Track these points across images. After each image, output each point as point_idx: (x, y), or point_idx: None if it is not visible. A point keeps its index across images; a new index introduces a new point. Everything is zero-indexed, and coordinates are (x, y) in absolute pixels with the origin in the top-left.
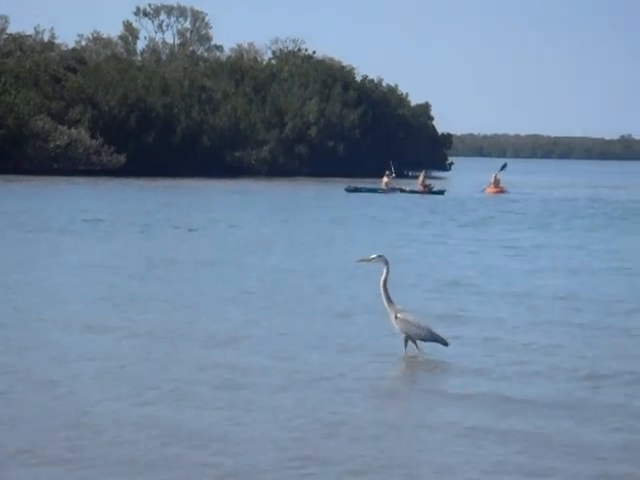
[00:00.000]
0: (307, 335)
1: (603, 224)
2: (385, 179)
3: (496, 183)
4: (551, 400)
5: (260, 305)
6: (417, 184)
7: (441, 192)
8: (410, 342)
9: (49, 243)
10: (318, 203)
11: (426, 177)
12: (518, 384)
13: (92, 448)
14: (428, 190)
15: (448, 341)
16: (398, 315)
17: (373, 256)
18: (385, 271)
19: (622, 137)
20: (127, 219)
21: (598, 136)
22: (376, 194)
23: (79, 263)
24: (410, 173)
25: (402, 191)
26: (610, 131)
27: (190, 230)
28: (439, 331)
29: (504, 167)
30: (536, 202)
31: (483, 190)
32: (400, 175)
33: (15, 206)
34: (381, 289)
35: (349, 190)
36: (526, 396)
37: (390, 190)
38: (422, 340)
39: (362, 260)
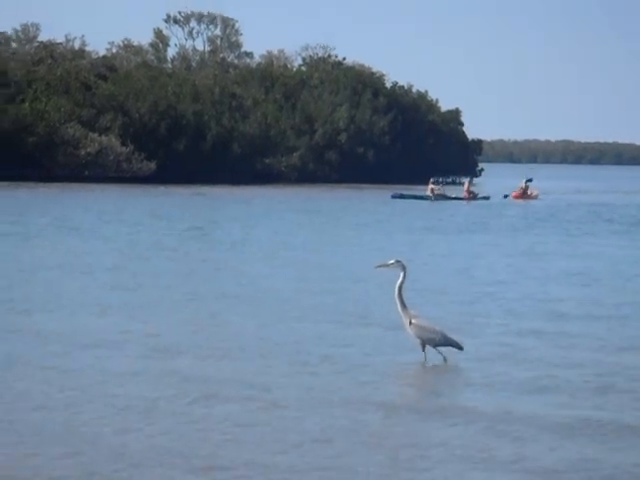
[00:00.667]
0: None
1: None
2: (431, 186)
3: (524, 190)
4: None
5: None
6: (463, 191)
7: (486, 198)
8: (428, 347)
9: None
10: (388, 209)
11: (470, 184)
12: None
13: None
14: (473, 197)
15: (463, 345)
16: (412, 321)
17: (392, 261)
18: (402, 277)
19: None
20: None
21: (629, 141)
22: (422, 201)
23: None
24: (440, 179)
25: (448, 198)
26: None
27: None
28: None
29: (530, 180)
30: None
31: (507, 196)
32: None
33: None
34: (396, 295)
35: (395, 197)
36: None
37: (436, 197)
38: (437, 345)
39: (381, 266)
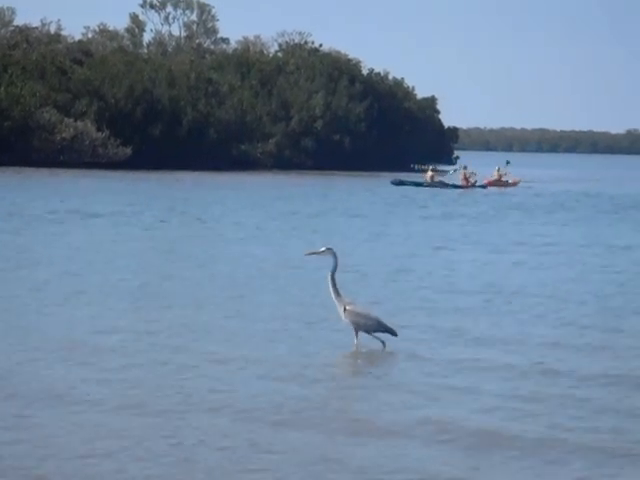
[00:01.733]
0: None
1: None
2: (429, 173)
3: (499, 177)
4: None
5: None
6: (459, 179)
7: (484, 186)
8: (361, 333)
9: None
10: (397, 198)
11: (468, 172)
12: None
13: None
14: (472, 185)
15: (397, 331)
16: (347, 307)
17: (322, 249)
18: (333, 264)
19: (628, 131)
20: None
21: (604, 130)
22: (421, 188)
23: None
24: (416, 167)
25: (446, 186)
26: (616, 125)
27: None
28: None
29: (508, 163)
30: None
31: (484, 186)
32: (407, 169)
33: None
34: (329, 282)
35: (395, 183)
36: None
37: (434, 184)
38: (371, 331)
39: (311, 253)
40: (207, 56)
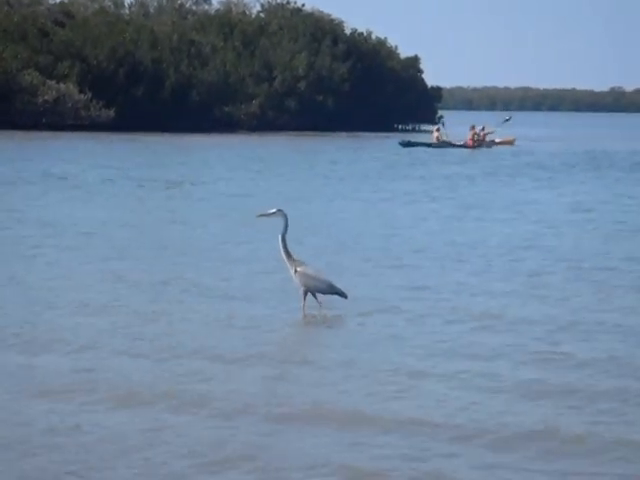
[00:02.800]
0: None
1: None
2: (436, 134)
3: (484, 136)
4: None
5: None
6: (466, 139)
7: (490, 146)
8: (310, 296)
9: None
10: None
11: (475, 131)
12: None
13: None
14: (478, 144)
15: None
16: (298, 269)
17: (272, 210)
18: (283, 225)
19: (612, 89)
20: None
21: (587, 88)
22: (430, 149)
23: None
24: (400, 127)
25: (453, 146)
26: (600, 83)
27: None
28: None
29: (508, 120)
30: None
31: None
32: (390, 129)
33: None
34: (279, 243)
35: (403, 144)
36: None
37: (442, 145)
38: (322, 293)
39: (262, 215)
40: (189, 17)
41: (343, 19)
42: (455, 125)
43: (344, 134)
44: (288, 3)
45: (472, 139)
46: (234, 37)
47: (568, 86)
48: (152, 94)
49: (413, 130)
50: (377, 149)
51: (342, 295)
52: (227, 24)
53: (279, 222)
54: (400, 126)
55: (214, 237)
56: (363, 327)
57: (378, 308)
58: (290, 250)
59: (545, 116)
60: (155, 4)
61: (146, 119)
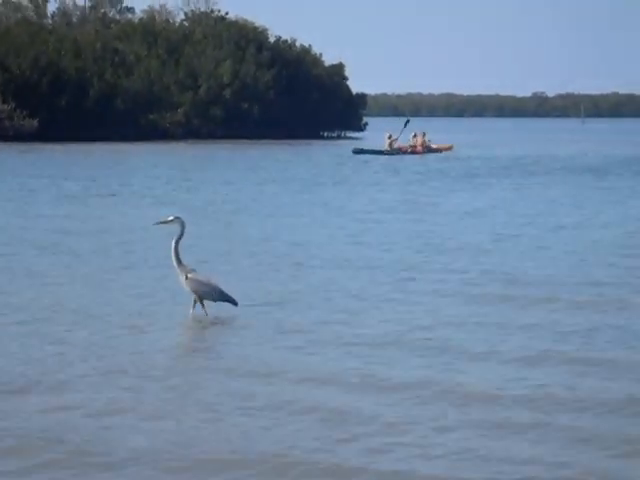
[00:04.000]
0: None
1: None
2: (388, 141)
3: (422, 143)
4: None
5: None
6: (417, 145)
7: (439, 151)
8: (199, 303)
9: None
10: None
11: (424, 138)
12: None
13: None
14: (428, 150)
15: (238, 301)
16: (188, 275)
17: (170, 218)
18: (179, 233)
19: (534, 94)
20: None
21: (510, 94)
22: (381, 156)
23: None
24: (326, 134)
25: (405, 152)
26: (522, 88)
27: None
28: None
29: (407, 123)
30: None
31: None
32: (316, 136)
33: None
34: (172, 250)
35: (356, 152)
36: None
37: (393, 152)
38: (212, 300)
39: (160, 222)
40: (113, 26)
41: (267, 27)
42: (379, 131)
43: (270, 141)
44: (212, 11)
45: (421, 145)
46: (158, 45)
47: (491, 92)
48: (76, 103)
49: (339, 137)
50: (320, 155)
51: (233, 302)
52: (151, 32)
53: (176, 229)
54: (326, 133)
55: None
56: (245, 335)
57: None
58: (181, 257)
59: (470, 122)
60: (78, 13)
61: (71, 128)
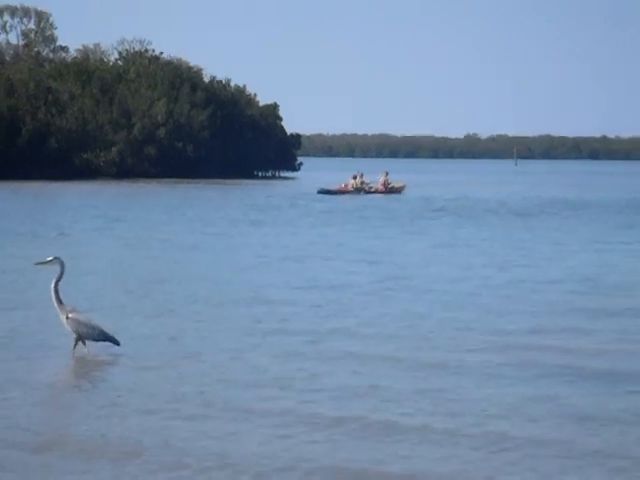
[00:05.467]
0: None
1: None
2: (352, 181)
3: (385, 183)
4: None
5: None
6: (378, 184)
7: (399, 191)
8: (81, 342)
9: None
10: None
11: (387, 178)
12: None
13: None
14: (390, 190)
15: (120, 341)
16: (69, 315)
17: (49, 258)
18: (59, 273)
19: (467, 136)
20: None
21: (443, 135)
22: (346, 196)
23: None
24: (260, 174)
25: (367, 192)
26: (455, 130)
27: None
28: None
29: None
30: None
31: (328, 191)
32: (250, 176)
33: None
34: (52, 290)
35: (321, 192)
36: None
37: (356, 191)
38: (94, 340)
39: (39, 263)
40: (46, 64)
41: (202, 67)
42: (314, 170)
43: (204, 181)
44: (146, 51)
45: (384, 185)
46: (92, 84)
47: (425, 133)
48: (8, 142)
49: (273, 177)
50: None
51: (114, 342)
52: (85, 71)
53: (56, 269)
54: (260, 173)
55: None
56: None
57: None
58: (61, 297)
59: (405, 163)
60: (11, 52)
61: (3, 167)
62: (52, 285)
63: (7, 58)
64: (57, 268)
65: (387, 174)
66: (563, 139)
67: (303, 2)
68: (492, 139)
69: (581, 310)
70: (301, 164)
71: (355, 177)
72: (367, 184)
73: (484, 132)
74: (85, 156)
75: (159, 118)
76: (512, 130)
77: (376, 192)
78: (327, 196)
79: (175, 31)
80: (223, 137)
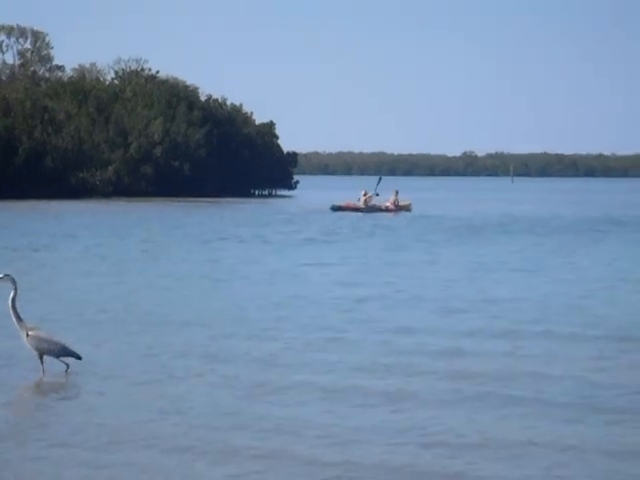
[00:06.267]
0: None
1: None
2: (363, 198)
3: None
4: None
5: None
6: (389, 202)
7: (408, 209)
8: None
9: None
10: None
11: (397, 196)
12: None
13: None
14: (400, 208)
15: (82, 355)
16: (30, 333)
17: (0, 276)
18: (13, 290)
19: (464, 154)
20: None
21: (440, 153)
22: (358, 213)
23: None
24: (257, 192)
25: (380, 210)
26: (452, 148)
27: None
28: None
29: (380, 181)
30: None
31: (338, 208)
32: (247, 194)
33: None
34: (10, 308)
35: (334, 209)
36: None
37: (369, 209)
38: (55, 356)
39: None
40: (42, 84)
41: (198, 85)
42: (310, 189)
43: (200, 199)
44: (142, 70)
45: (393, 203)
46: (88, 103)
47: (422, 151)
48: (5, 161)
49: (270, 195)
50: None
51: (76, 356)
52: (81, 90)
53: (9, 287)
54: (257, 191)
55: None
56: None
57: (112, 373)
58: (20, 314)
59: (404, 181)
60: (7, 71)
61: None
62: (9, 303)
63: (3, 78)
64: (9, 285)
65: (397, 193)
66: (559, 157)
67: (299, 22)
68: (489, 157)
69: None
70: (297, 182)
71: (365, 194)
72: (377, 205)
73: (481, 150)
74: (81, 175)
75: (155, 137)
76: (509, 148)
77: (387, 210)
78: (356, 214)
79: (171, 50)
80: (220, 156)
